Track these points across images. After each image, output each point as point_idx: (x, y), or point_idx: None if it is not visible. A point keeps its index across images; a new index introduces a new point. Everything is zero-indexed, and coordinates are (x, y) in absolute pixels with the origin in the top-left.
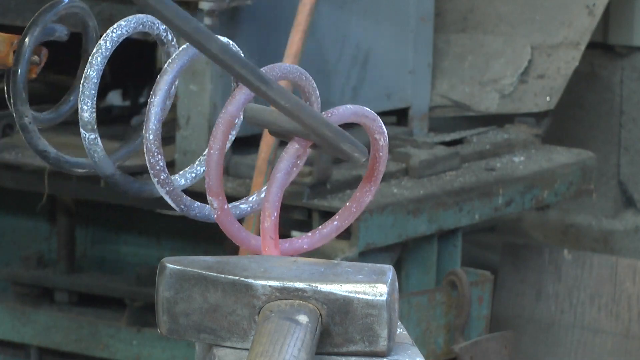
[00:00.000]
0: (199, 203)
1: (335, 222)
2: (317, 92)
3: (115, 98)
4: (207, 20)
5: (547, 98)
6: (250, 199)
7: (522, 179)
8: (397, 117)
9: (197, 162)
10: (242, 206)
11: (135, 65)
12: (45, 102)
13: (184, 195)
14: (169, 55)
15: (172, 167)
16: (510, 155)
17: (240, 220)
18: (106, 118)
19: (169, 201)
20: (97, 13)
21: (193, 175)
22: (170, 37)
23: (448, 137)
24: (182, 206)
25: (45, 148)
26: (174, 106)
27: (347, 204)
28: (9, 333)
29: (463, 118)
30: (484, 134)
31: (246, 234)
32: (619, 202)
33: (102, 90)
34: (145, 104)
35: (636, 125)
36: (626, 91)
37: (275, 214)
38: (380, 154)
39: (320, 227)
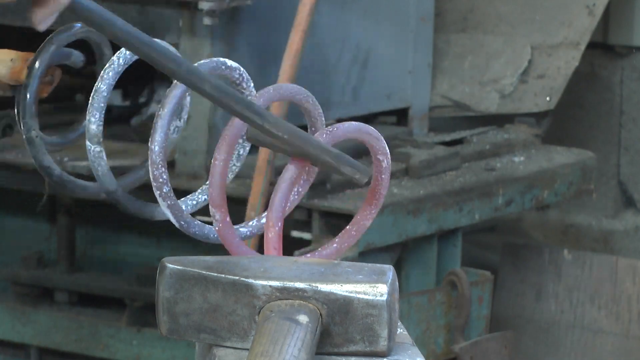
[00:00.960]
0: (199, 222)
1: (335, 245)
2: (323, 118)
3: (115, 98)
4: (207, 20)
5: (547, 98)
6: (251, 223)
7: (522, 179)
8: (397, 117)
9: (199, 191)
10: (242, 229)
11: (135, 65)
12: (46, 102)
13: (185, 212)
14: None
15: (172, 167)
16: (510, 155)
17: None
18: (106, 118)
19: (170, 216)
20: None
21: (194, 202)
22: None
23: (448, 137)
24: (182, 222)
25: (50, 164)
26: None
27: (348, 227)
28: (9, 333)
29: (463, 118)
30: (484, 134)
31: (246, 249)
32: (619, 202)
33: None
34: (145, 104)
35: (636, 125)
36: (626, 91)
37: (280, 224)
38: (383, 176)
39: (320, 249)
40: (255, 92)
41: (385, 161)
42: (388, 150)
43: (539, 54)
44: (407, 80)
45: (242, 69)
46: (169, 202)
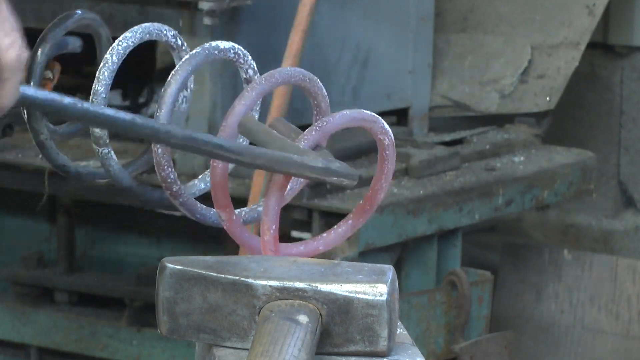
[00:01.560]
0: (214, 210)
1: (350, 222)
2: (324, 91)
3: (115, 98)
4: (207, 20)
5: (547, 98)
6: (259, 208)
7: (522, 179)
8: (397, 117)
9: (207, 171)
10: (252, 213)
11: (135, 65)
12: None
13: (199, 204)
14: (181, 59)
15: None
16: (510, 155)
17: None
18: None
19: (185, 212)
20: (97, 13)
21: (207, 181)
22: (180, 42)
23: (448, 137)
24: (198, 215)
25: (65, 162)
26: None
27: (360, 202)
28: (9, 333)
29: (463, 118)
30: (484, 134)
31: (257, 241)
32: (619, 202)
33: None
34: (145, 104)
35: (636, 125)
36: (626, 91)
37: (274, 227)
38: (387, 152)
39: (335, 226)
40: (255, 64)
41: (387, 139)
42: (387, 128)
43: (539, 54)
44: (407, 80)
45: (235, 46)
46: (181, 199)
